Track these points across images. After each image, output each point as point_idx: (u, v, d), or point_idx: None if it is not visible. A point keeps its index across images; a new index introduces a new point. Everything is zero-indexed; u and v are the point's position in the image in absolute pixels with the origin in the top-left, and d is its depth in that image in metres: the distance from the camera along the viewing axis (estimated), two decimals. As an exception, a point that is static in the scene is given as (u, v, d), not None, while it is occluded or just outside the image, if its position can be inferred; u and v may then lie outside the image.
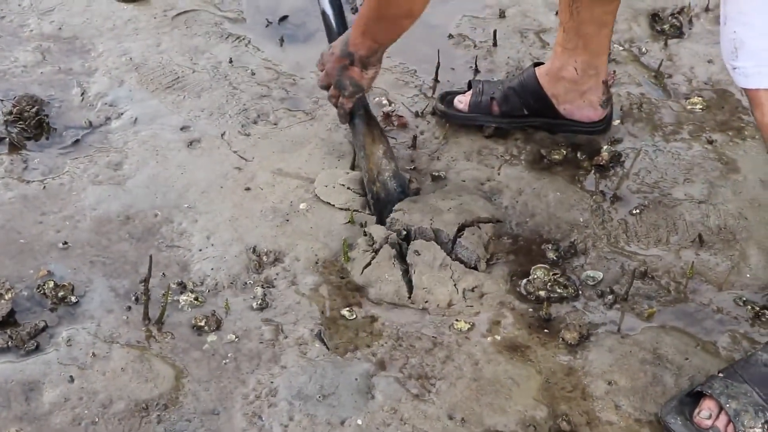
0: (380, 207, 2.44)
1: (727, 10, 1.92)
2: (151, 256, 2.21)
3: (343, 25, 2.52)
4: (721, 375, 2.05)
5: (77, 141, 2.58)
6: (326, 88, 2.50)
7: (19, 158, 2.52)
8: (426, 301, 2.24)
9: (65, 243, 2.31)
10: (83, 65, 2.80)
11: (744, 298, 2.29)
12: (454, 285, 2.29)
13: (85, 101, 2.70)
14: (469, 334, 2.18)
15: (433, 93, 2.83)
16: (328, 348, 2.13)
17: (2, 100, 2.65)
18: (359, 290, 2.27)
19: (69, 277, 2.22)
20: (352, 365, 2.10)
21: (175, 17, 3.00)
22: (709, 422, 1.97)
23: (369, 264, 2.30)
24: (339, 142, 2.64)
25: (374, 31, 2.32)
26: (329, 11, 2.53)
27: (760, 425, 1.95)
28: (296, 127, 2.68)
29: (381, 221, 2.43)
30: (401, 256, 2.32)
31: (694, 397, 2.03)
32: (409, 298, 2.26)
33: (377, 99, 2.80)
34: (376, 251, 2.34)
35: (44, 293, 2.17)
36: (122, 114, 2.68)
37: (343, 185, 2.49)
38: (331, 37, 2.52)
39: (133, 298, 2.19)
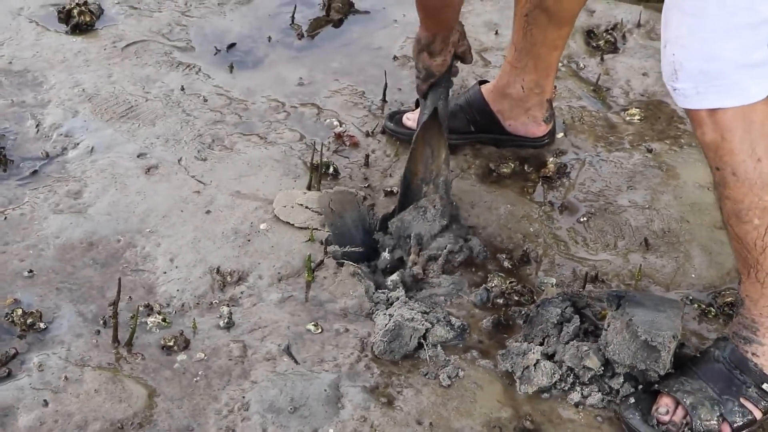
0: (424, 205, 2.46)
1: (667, 34, 1.95)
2: (120, 279, 2.21)
3: None
4: (675, 372, 2.08)
5: (35, 172, 2.56)
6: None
7: None
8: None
9: (30, 271, 2.29)
10: (36, 98, 2.79)
11: (690, 297, 2.34)
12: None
13: (41, 133, 2.69)
14: (433, 341, 2.21)
15: (382, 112, 2.86)
16: (296, 362, 2.13)
17: None
18: (323, 305, 2.28)
19: (36, 304, 2.21)
20: (321, 377, 2.10)
21: (125, 48, 3.00)
22: (666, 417, 2.01)
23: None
24: (294, 164, 2.65)
25: (425, 21, 2.39)
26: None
27: (716, 418, 1.99)
28: (251, 151, 2.69)
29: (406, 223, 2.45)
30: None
31: (651, 394, 2.07)
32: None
33: (328, 121, 2.82)
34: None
35: (12, 321, 2.16)
36: (78, 144, 2.66)
37: (301, 205, 2.50)
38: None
39: (102, 321, 2.18)
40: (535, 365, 2.13)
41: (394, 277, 2.33)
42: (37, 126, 2.71)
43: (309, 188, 2.57)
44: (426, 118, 2.47)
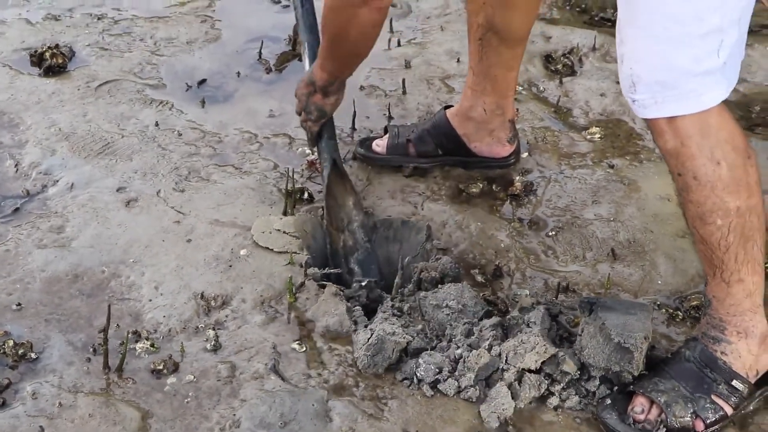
0: (345, 253, 2.49)
1: (623, 50, 1.99)
2: (109, 306, 2.22)
3: (315, 55, 2.53)
4: (648, 373, 2.12)
5: (17, 209, 2.56)
6: (299, 113, 2.59)
7: None
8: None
9: (18, 304, 2.29)
10: (13, 138, 2.80)
11: (658, 303, 2.38)
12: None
13: (20, 172, 2.69)
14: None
15: (352, 140, 2.89)
16: (283, 379, 2.14)
17: None
18: (305, 324, 2.30)
19: (26, 336, 2.21)
20: (308, 392, 2.11)
21: (98, 87, 3.01)
22: (642, 416, 2.05)
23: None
24: (269, 192, 2.67)
25: (329, 66, 2.40)
26: (306, 40, 2.62)
27: (689, 414, 2.04)
28: (227, 181, 2.71)
29: (338, 265, 2.48)
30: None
31: (626, 394, 2.10)
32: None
33: (300, 149, 2.85)
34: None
35: (4, 352, 2.16)
36: (58, 181, 2.66)
37: (278, 230, 2.52)
38: (307, 65, 2.60)
39: (91, 349, 2.19)
40: (520, 379, 2.15)
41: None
42: (16, 165, 2.71)
43: (285, 214, 2.58)
44: (327, 171, 2.51)
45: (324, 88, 2.46)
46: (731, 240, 2.03)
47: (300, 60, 3.17)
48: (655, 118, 1.99)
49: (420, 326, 2.27)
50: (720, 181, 1.98)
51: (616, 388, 2.15)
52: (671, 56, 1.93)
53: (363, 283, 2.39)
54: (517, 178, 2.73)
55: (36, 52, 3.10)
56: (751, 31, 3.20)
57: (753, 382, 2.12)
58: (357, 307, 2.34)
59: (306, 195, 2.66)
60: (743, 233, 2.03)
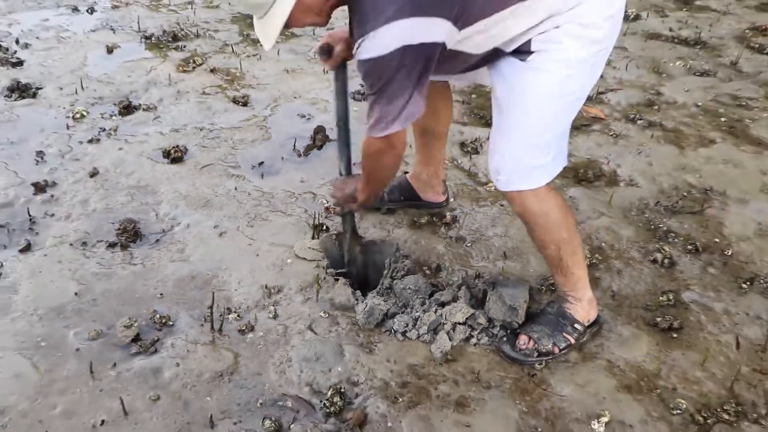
0: (351, 262, 2.44)
1: (492, 148, 2.02)
2: (213, 293, 2.29)
3: (347, 170, 2.34)
4: (527, 321, 2.19)
5: (157, 240, 2.57)
6: (335, 207, 2.42)
7: (127, 253, 2.51)
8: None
9: (161, 294, 2.33)
10: (154, 199, 2.80)
11: (531, 282, 2.40)
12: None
13: (158, 218, 2.69)
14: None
15: None
16: (315, 333, 2.19)
17: (113, 223, 2.64)
18: (327, 302, 2.32)
19: (166, 312, 2.25)
20: (330, 340, 2.17)
21: (201, 168, 3.01)
22: (524, 346, 2.12)
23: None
24: (303, 226, 2.66)
25: (368, 191, 2.22)
26: (343, 169, 2.34)
27: (551, 344, 2.11)
28: (278, 220, 2.70)
29: (348, 272, 2.43)
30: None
31: (515, 334, 2.16)
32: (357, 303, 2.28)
33: (320, 201, 2.82)
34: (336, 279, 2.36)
35: (154, 321, 2.21)
36: (180, 223, 2.67)
37: (310, 248, 2.54)
38: (341, 171, 2.34)
39: (203, 318, 2.23)
40: (453, 328, 2.17)
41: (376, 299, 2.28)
42: (156, 215, 2.72)
43: (313, 238, 2.61)
44: (349, 231, 2.40)
45: (362, 204, 2.29)
46: (562, 255, 2.08)
47: (318, 149, 3.17)
48: (509, 190, 2.02)
49: (394, 300, 2.29)
50: (550, 225, 2.04)
51: (509, 331, 2.20)
52: (521, 157, 1.96)
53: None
54: (448, 213, 2.76)
55: (166, 149, 3.11)
56: (576, 127, 3.35)
57: (586, 325, 2.18)
58: (357, 291, 2.34)
59: (325, 227, 2.66)
60: (569, 249, 2.08)
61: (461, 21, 1.77)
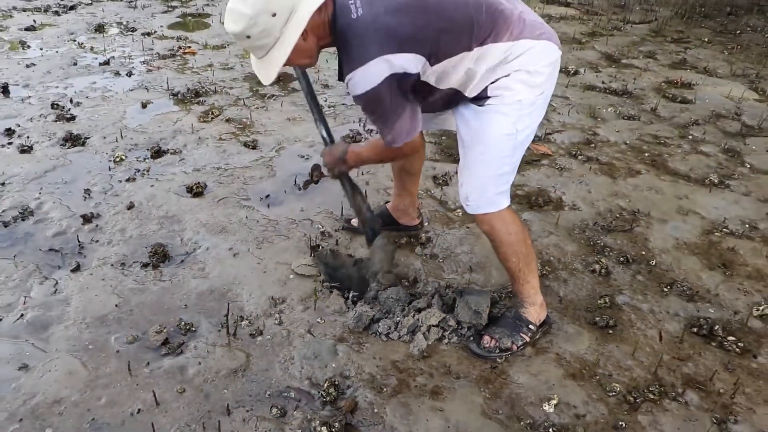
0: (366, 223, 2.38)
1: (461, 179, 2.01)
2: (228, 304, 2.27)
3: (330, 138, 2.27)
4: (489, 324, 2.16)
5: (182, 261, 2.56)
6: (326, 170, 2.30)
7: (158, 272, 2.49)
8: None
9: (185, 305, 2.32)
10: (179, 228, 2.76)
11: (493, 291, 2.38)
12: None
13: (183, 243, 2.68)
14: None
15: (341, 218, 2.86)
16: (314, 336, 2.18)
17: (146, 247, 2.63)
18: (323, 309, 2.31)
19: (189, 319, 2.24)
20: (326, 342, 2.15)
21: (218, 201, 3.00)
22: (488, 345, 2.10)
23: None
24: (303, 247, 2.63)
25: (367, 161, 2.16)
26: (326, 136, 2.26)
27: (510, 342, 2.11)
28: (282, 243, 2.67)
29: (367, 231, 2.33)
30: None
31: (480, 335, 2.14)
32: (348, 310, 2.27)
33: (316, 226, 2.78)
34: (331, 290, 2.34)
35: (180, 327, 2.20)
36: (201, 246, 2.66)
37: (307, 265, 2.52)
38: (326, 142, 2.27)
39: (221, 325, 2.22)
40: (428, 330, 2.15)
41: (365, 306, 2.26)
42: (181, 240, 2.72)
43: (310, 256, 2.58)
44: (350, 189, 2.31)
45: (353, 167, 2.22)
46: (521, 267, 2.08)
47: (315, 183, 2.97)
48: (476, 213, 2.03)
49: (379, 308, 2.26)
50: (512, 241, 2.04)
51: (475, 332, 2.18)
52: (486, 185, 1.97)
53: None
54: (423, 235, 2.74)
55: (189, 186, 3.09)
56: (528, 162, 3.37)
57: (538, 325, 2.18)
58: (348, 300, 2.32)
59: (320, 247, 2.64)
60: (525, 261, 2.08)
61: (433, 58, 1.79)
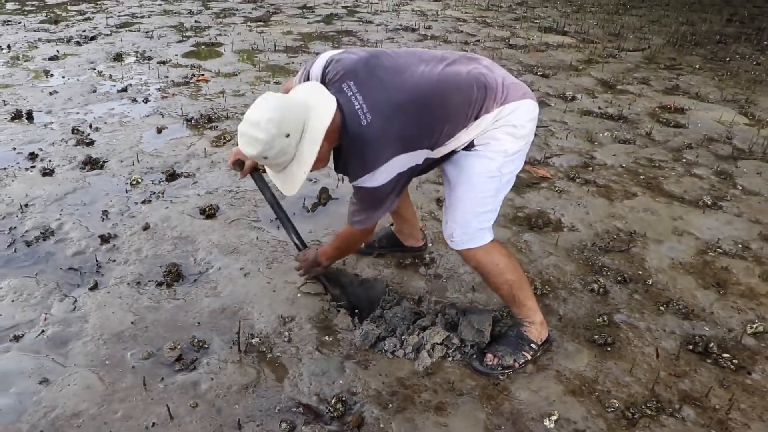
0: (354, 304, 2.42)
1: (446, 216, 2.04)
2: (239, 322, 2.28)
3: (302, 243, 2.39)
4: (492, 342, 2.17)
5: (195, 280, 2.57)
6: (303, 273, 2.42)
7: (172, 290, 2.50)
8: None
9: (198, 323, 2.32)
10: (192, 248, 2.78)
11: (495, 310, 2.35)
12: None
13: (196, 263, 2.68)
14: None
15: None
16: (322, 353, 2.17)
17: (160, 267, 2.62)
18: (331, 327, 2.31)
19: (202, 337, 2.24)
20: (334, 359, 2.15)
21: (230, 222, 3.01)
22: (491, 362, 2.10)
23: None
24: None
25: (335, 258, 2.32)
26: (297, 243, 2.39)
27: (512, 360, 2.10)
28: (291, 263, 2.66)
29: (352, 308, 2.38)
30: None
31: (483, 353, 2.14)
32: (355, 327, 2.27)
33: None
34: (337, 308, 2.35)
35: (193, 344, 2.20)
36: (213, 266, 2.66)
37: (314, 284, 2.49)
38: (298, 248, 2.39)
39: (232, 342, 2.22)
40: (432, 348, 2.14)
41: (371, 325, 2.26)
42: (194, 260, 2.73)
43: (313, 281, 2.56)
44: (329, 287, 2.41)
45: (327, 266, 2.36)
46: (514, 292, 2.09)
47: (323, 206, 3.15)
48: (461, 249, 2.04)
49: (384, 326, 2.27)
50: (500, 271, 2.05)
51: (478, 349, 2.18)
52: (470, 223, 1.99)
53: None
54: (427, 255, 2.74)
55: (202, 208, 3.10)
56: (528, 185, 3.35)
57: (540, 344, 2.17)
58: (356, 318, 2.33)
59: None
60: (517, 286, 2.09)
61: (436, 145, 1.90)
